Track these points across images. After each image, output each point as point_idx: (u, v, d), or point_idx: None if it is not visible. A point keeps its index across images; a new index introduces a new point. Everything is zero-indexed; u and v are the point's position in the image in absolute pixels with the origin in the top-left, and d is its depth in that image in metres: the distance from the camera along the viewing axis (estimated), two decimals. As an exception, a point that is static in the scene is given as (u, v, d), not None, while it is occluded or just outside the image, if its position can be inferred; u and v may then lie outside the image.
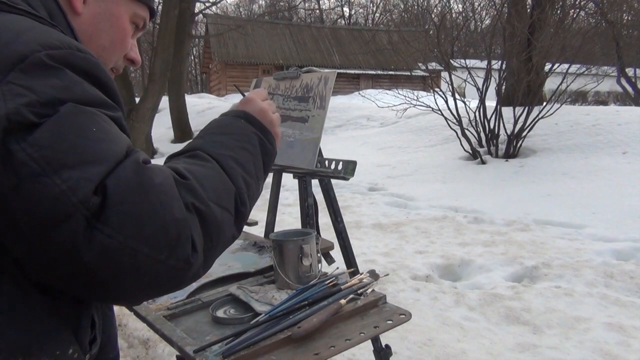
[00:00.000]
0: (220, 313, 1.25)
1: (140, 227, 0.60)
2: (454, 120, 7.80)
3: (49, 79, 0.62)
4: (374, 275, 1.34)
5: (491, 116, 7.88)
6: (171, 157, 0.78)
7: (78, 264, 0.58)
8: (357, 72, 26.59)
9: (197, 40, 30.79)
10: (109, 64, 0.87)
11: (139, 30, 0.94)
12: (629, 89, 13.23)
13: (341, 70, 24.37)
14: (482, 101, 7.86)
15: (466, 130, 7.86)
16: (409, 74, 10.95)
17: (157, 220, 0.61)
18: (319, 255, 1.40)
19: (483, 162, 7.65)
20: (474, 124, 8.04)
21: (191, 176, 0.69)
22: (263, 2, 40.02)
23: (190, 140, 0.83)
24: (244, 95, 0.98)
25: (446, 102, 7.96)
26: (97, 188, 0.59)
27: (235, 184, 0.75)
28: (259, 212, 3.85)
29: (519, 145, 7.73)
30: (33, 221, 0.57)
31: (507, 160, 7.56)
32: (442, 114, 7.94)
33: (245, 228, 2.32)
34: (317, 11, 41.01)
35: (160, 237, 0.61)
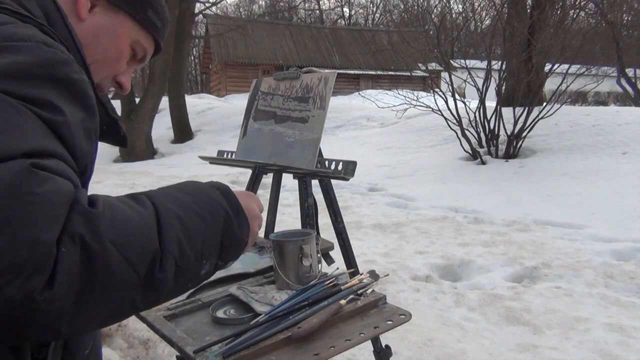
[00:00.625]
0: (220, 313, 1.25)
1: None
2: (454, 121, 7.80)
3: None
4: (374, 275, 1.34)
5: (491, 116, 7.88)
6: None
7: None
8: (357, 72, 26.61)
9: (197, 40, 30.81)
10: (94, 79, 0.81)
11: (136, 61, 0.91)
12: (629, 89, 13.23)
13: (341, 71, 24.38)
14: (482, 101, 7.86)
15: (466, 131, 7.86)
16: (409, 74, 10.95)
17: (8, 234, 0.49)
18: (319, 255, 1.40)
19: (483, 163, 7.65)
20: (474, 124, 8.04)
21: (103, 209, 0.57)
22: (263, 3, 40.05)
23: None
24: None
25: (446, 102, 7.96)
26: None
27: (163, 245, 0.61)
28: (259, 213, 3.85)
29: (519, 145, 7.73)
30: None
31: (507, 161, 7.56)
32: (442, 115, 7.94)
33: (245, 228, 2.31)
34: (317, 11, 41.04)
35: (4, 256, 0.48)
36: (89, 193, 0.63)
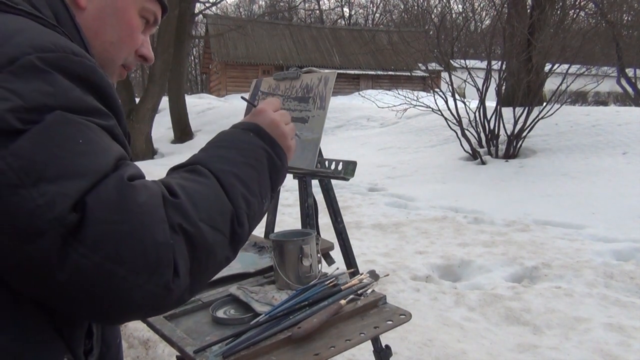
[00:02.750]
0: (220, 313, 1.25)
1: (118, 248, 0.57)
2: (454, 121, 7.80)
3: (37, 83, 0.59)
4: (374, 275, 1.34)
5: (491, 116, 7.88)
6: (172, 170, 0.74)
7: (52, 283, 0.56)
8: (357, 72, 26.60)
9: (197, 40, 30.82)
10: (117, 61, 0.83)
11: (150, 25, 0.89)
12: (629, 89, 13.23)
13: (341, 71, 24.39)
14: (482, 101, 7.86)
15: (466, 131, 7.86)
16: (409, 74, 10.95)
17: (136, 243, 0.58)
18: (319, 255, 1.40)
19: (483, 163, 7.66)
20: (474, 124, 8.04)
21: (183, 194, 0.65)
22: (263, 3, 40.06)
23: (194, 153, 0.79)
24: (254, 106, 0.94)
25: (446, 102, 7.96)
26: (76, 205, 0.56)
27: (234, 204, 0.71)
28: (259, 213, 3.84)
29: (519, 145, 7.73)
30: (9, 233, 0.55)
31: (507, 161, 7.56)
32: (442, 115, 7.94)
33: (245, 228, 2.31)
34: (317, 11, 41.04)
35: (138, 261, 0.58)
36: None
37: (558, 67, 7.77)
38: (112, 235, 0.57)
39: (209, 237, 0.65)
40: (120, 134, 0.68)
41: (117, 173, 0.61)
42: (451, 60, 8.51)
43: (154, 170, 9.93)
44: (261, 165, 0.79)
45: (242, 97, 1.30)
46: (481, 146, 8.21)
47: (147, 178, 0.68)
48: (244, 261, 1.61)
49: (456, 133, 7.97)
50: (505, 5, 8.92)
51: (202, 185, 0.69)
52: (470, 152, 7.95)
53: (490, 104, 8.00)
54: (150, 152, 12.69)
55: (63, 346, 0.67)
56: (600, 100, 19.89)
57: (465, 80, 8.08)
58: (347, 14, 41.58)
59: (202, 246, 0.64)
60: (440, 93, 8.12)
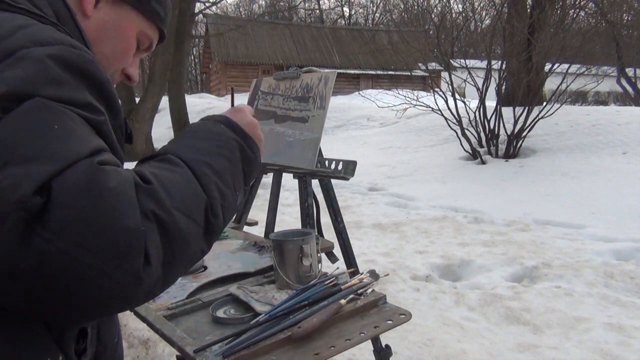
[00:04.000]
0: (220, 313, 1.25)
1: (85, 234, 0.54)
2: (454, 121, 7.80)
3: (22, 71, 0.59)
4: (374, 275, 1.34)
5: (491, 116, 7.88)
6: (141, 162, 0.72)
7: (15, 271, 0.53)
8: (357, 72, 26.59)
9: (197, 40, 30.80)
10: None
11: (141, 50, 0.92)
12: (629, 89, 13.23)
13: (341, 70, 24.36)
14: (482, 101, 7.86)
15: (466, 131, 7.86)
16: (409, 74, 10.95)
17: (105, 228, 0.55)
18: (319, 255, 1.40)
19: (483, 162, 7.65)
20: (474, 124, 8.04)
21: (156, 181, 0.63)
22: (263, 2, 40.04)
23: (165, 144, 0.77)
24: (232, 105, 0.95)
25: (446, 102, 7.96)
26: (42, 188, 0.54)
27: (208, 193, 0.68)
28: (259, 212, 3.84)
29: (519, 145, 7.73)
30: None
31: (507, 161, 7.56)
32: (442, 114, 7.94)
33: (245, 228, 2.32)
34: (317, 11, 41.03)
35: (106, 247, 0.55)
36: None
37: (558, 66, 7.77)
38: (78, 219, 0.54)
39: (183, 226, 0.63)
40: (109, 131, 0.66)
41: (89, 158, 0.58)
42: (451, 60, 8.51)
43: (154, 170, 9.93)
44: (234, 156, 0.77)
45: (232, 88, 1.30)
46: (481, 146, 8.21)
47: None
48: (244, 261, 1.61)
49: (456, 133, 7.97)
50: (505, 5, 8.91)
51: (175, 174, 0.67)
52: (470, 151, 7.95)
53: (490, 103, 8.00)
54: (150, 152, 12.63)
55: (53, 346, 0.65)
56: (600, 100, 19.88)
57: (465, 80, 8.08)
58: (347, 14, 41.60)
59: (176, 234, 0.62)
60: (440, 93, 8.12)
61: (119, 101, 0.72)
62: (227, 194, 0.72)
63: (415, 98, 8.53)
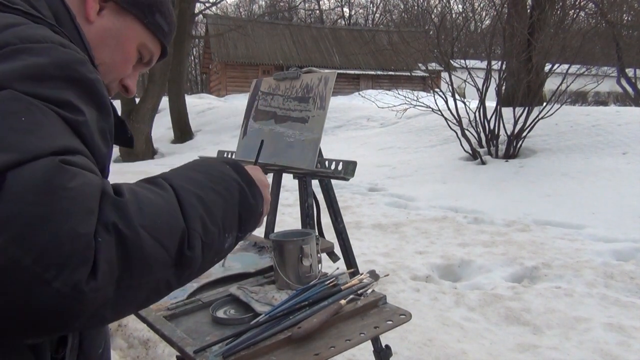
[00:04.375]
0: (220, 313, 1.25)
1: (27, 232, 0.49)
2: (454, 121, 7.80)
3: (5, 65, 0.58)
4: (374, 275, 1.34)
5: (491, 116, 7.88)
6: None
7: None
8: (357, 72, 26.61)
9: (197, 40, 30.80)
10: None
11: (142, 63, 0.92)
12: (629, 89, 13.22)
13: (341, 71, 24.38)
14: (482, 102, 7.86)
15: (466, 131, 7.86)
16: (409, 74, 10.95)
17: (50, 229, 0.50)
18: (319, 255, 1.40)
19: (483, 163, 7.65)
20: (474, 124, 8.04)
21: (129, 195, 0.59)
22: (263, 3, 40.06)
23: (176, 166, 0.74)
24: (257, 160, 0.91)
25: (446, 102, 7.96)
26: None
27: (188, 223, 0.63)
28: (259, 213, 3.83)
29: (519, 145, 7.73)
30: None
31: (507, 161, 7.56)
32: (442, 115, 7.94)
33: (245, 228, 2.32)
34: (317, 11, 41.04)
35: (48, 250, 0.50)
36: None
37: (558, 67, 7.77)
38: (22, 215, 0.50)
39: (147, 247, 0.58)
40: (89, 133, 0.63)
41: (53, 157, 0.55)
42: (451, 60, 8.51)
43: (154, 170, 9.93)
44: (231, 196, 0.72)
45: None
46: (481, 146, 8.21)
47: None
48: (244, 261, 1.61)
49: (456, 133, 7.97)
50: (505, 5, 8.91)
51: (156, 195, 0.63)
52: (470, 152, 7.94)
53: (490, 104, 8.00)
54: (150, 152, 12.70)
55: (28, 354, 0.62)
56: (600, 100, 19.89)
57: (465, 80, 8.08)
58: (347, 14, 41.61)
59: (137, 255, 0.57)
60: (440, 93, 8.11)
61: (110, 103, 0.70)
62: (212, 232, 0.67)
63: (415, 98, 8.53)
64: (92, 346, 0.76)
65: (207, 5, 17.17)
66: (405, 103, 8.68)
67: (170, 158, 12.14)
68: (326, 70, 1.91)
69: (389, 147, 10.05)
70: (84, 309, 0.53)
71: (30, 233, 0.50)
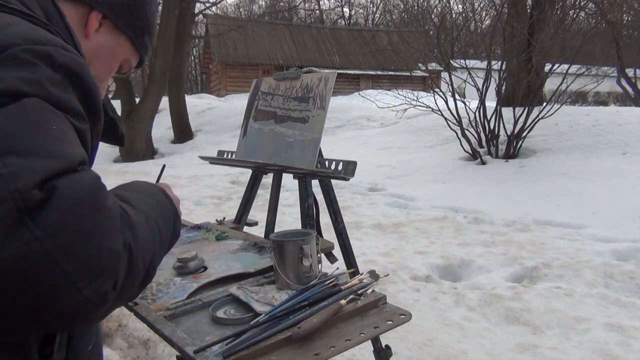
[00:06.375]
0: (220, 313, 1.25)
1: (74, 243, 0.54)
2: (454, 121, 7.80)
3: (20, 70, 0.60)
4: (374, 275, 1.34)
5: (491, 117, 7.88)
6: None
7: None
8: (357, 72, 26.60)
9: (197, 40, 30.82)
10: None
11: (118, 72, 0.97)
12: (629, 89, 13.22)
13: (341, 71, 24.38)
14: (482, 102, 7.86)
15: (466, 131, 7.86)
16: (408, 74, 10.95)
17: (94, 244, 0.56)
18: (319, 255, 1.40)
19: (483, 163, 7.65)
20: (474, 124, 8.04)
21: (134, 216, 0.66)
22: (263, 3, 40.06)
23: (117, 185, 0.79)
24: (158, 181, 1.00)
25: (446, 102, 7.96)
26: (44, 184, 0.55)
27: (154, 247, 0.71)
28: (259, 212, 3.85)
29: (519, 145, 7.73)
30: None
31: (507, 161, 7.56)
32: (442, 115, 7.94)
33: (245, 228, 2.32)
34: (317, 11, 41.04)
35: (89, 262, 0.56)
36: None
37: (558, 67, 7.77)
38: (73, 228, 0.55)
39: (140, 266, 0.65)
40: (87, 140, 0.67)
41: (93, 172, 0.61)
42: (451, 60, 8.51)
43: (154, 170, 9.93)
44: (169, 226, 0.79)
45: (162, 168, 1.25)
46: (481, 146, 8.21)
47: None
48: (244, 261, 1.61)
49: (456, 133, 7.97)
50: (505, 5, 8.91)
51: (139, 216, 0.68)
52: (470, 152, 7.94)
53: (490, 104, 8.00)
54: (150, 152, 12.69)
55: (13, 348, 0.63)
56: (600, 100, 19.88)
57: (465, 80, 8.08)
58: (347, 14, 41.60)
59: (135, 271, 0.64)
60: (440, 93, 8.11)
61: (102, 106, 0.73)
62: (160, 255, 0.74)
63: (415, 98, 8.53)
64: (81, 343, 0.78)
65: (207, 5, 17.17)
66: (405, 103, 8.68)
67: (170, 158, 12.13)
68: (326, 70, 1.91)
69: (389, 147, 10.05)
70: (101, 313, 0.60)
71: (77, 245, 0.55)
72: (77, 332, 0.77)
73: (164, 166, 1.26)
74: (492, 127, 7.91)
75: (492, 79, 7.93)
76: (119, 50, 0.91)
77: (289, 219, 5.14)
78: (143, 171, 9.76)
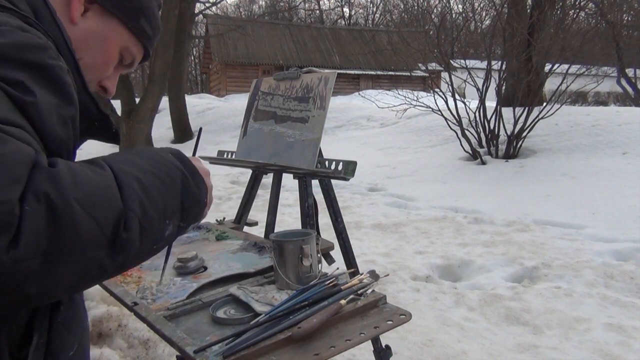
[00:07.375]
0: (220, 313, 1.25)
1: None
2: (454, 121, 7.80)
3: None
4: (374, 275, 1.34)
5: (491, 117, 7.88)
6: None
7: None
8: (357, 72, 26.61)
9: (197, 40, 30.81)
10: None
11: (122, 65, 0.92)
12: (629, 89, 13.23)
13: (341, 71, 24.38)
14: (482, 102, 7.86)
15: (466, 131, 7.86)
16: (409, 74, 10.95)
17: None
18: (319, 255, 1.40)
19: (483, 163, 7.65)
20: (474, 124, 8.04)
21: (64, 167, 0.57)
22: (263, 3, 40.06)
23: None
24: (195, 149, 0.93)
25: (446, 102, 7.96)
26: None
27: (126, 204, 0.61)
28: (259, 213, 3.85)
29: (519, 145, 7.73)
30: None
31: (507, 161, 7.56)
32: (442, 115, 7.94)
33: (245, 228, 2.32)
34: (317, 11, 41.05)
35: None
36: None
37: (558, 67, 7.77)
38: None
39: (80, 222, 0.55)
40: (38, 116, 0.62)
41: None
42: (451, 60, 8.51)
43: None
44: (172, 183, 0.70)
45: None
46: (481, 146, 8.21)
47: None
48: (244, 261, 1.61)
49: (456, 133, 7.97)
50: (505, 5, 8.91)
51: (94, 173, 0.61)
52: (470, 152, 7.94)
53: (490, 104, 8.00)
54: (150, 152, 12.68)
55: None
56: (600, 100, 19.88)
57: (465, 80, 8.08)
58: (347, 14, 41.61)
59: (68, 228, 0.54)
60: (440, 93, 8.12)
61: (72, 90, 0.69)
62: (151, 216, 0.65)
63: (415, 98, 8.53)
64: (62, 348, 0.73)
65: (207, 5, 17.17)
66: (405, 103, 8.68)
67: (170, 158, 12.12)
68: (326, 70, 1.92)
69: (389, 147, 10.05)
70: (3, 280, 0.51)
71: None
72: (57, 335, 0.72)
73: (200, 129, 1.22)
74: (492, 127, 7.92)
75: (492, 79, 7.93)
76: (112, 34, 0.86)
77: (289, 219, 5.14)
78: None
